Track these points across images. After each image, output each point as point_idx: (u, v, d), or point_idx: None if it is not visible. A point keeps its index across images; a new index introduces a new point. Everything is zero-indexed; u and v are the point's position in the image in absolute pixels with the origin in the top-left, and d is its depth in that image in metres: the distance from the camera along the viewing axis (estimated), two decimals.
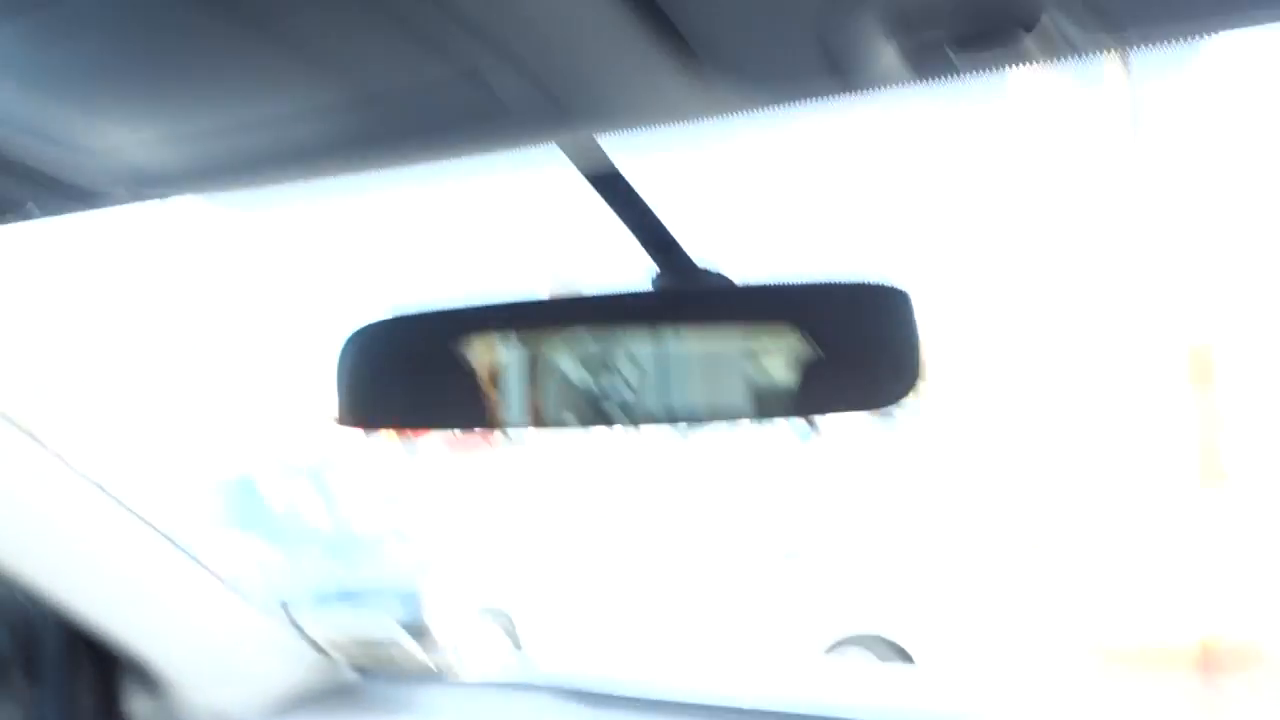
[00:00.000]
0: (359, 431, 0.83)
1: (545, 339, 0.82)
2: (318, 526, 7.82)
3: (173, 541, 1.48)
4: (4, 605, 1.42)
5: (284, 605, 1.67)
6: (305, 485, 8.13)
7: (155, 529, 1.45)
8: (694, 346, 0.84)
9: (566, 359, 0.80)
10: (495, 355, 0.81)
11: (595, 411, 0.78)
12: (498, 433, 0.78)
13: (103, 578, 1.39)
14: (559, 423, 0.80)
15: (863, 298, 0.81)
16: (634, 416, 0.78)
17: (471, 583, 6.91)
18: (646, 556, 6.39)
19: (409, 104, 0.56)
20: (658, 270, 0.90)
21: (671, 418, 0.79)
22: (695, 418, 0.80)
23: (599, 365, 0.79)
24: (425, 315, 0.83)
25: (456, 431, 0.78)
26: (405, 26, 0.49)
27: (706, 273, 0.90)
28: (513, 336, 0.81)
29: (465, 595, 6.87)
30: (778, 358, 0.79)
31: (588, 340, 0.81)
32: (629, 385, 0.78)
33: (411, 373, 0.82)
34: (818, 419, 0.80)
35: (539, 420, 0.80)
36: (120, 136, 0.61)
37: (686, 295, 0.88)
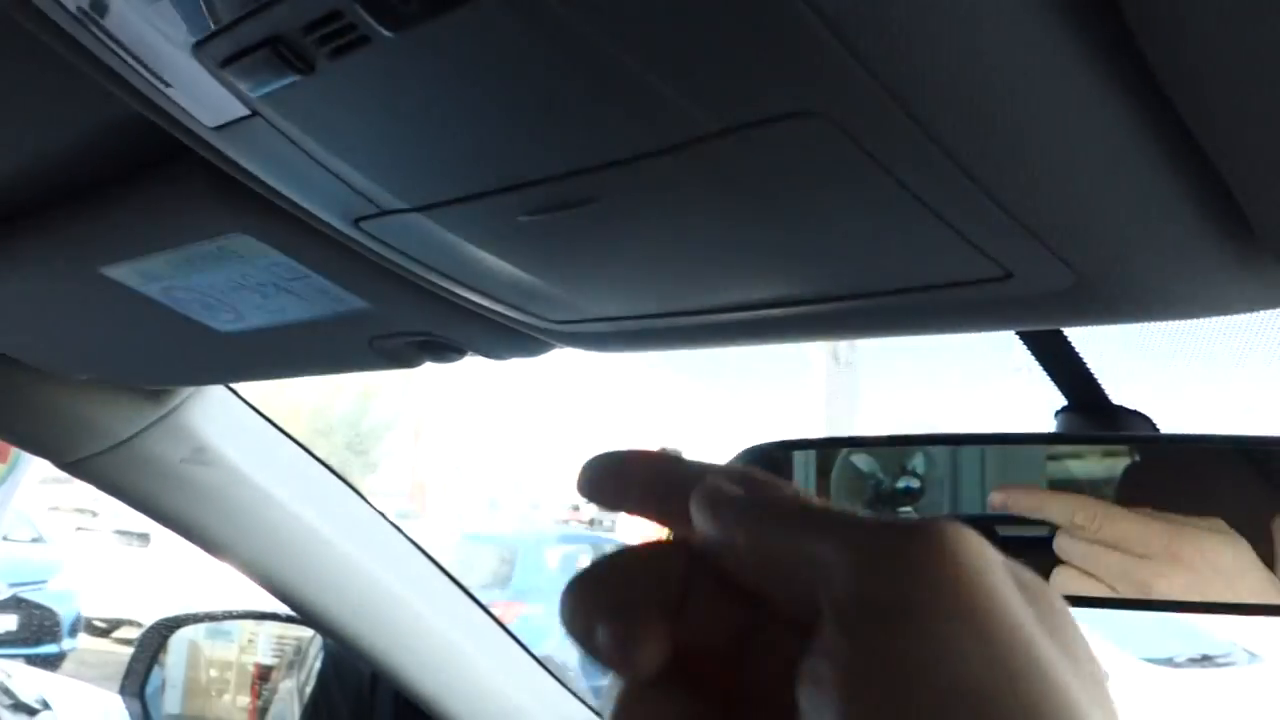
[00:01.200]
0: None
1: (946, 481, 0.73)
2: None
3: (485, 610, 1.51)
4: (345, 670, 1.50)
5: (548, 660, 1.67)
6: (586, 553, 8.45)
7: (473, 599, 1.49)
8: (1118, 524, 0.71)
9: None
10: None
11: None
12: None
13: (430, 646, 1.43)
14: None
15: None
16: None
17: None
18: None
19: (918, 295, 0.49)
20: (1067, 407, 0.79)
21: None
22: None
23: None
24: (827, 441, 0.75)
25: None
26: (922, 211, 0.42)
27: (1126, 413, 0.78)
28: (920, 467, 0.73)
29: None
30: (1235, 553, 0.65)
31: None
32: None
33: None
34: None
35: None
36: (589, 306, 0.58)
37: (1102, 439, 0.76)
